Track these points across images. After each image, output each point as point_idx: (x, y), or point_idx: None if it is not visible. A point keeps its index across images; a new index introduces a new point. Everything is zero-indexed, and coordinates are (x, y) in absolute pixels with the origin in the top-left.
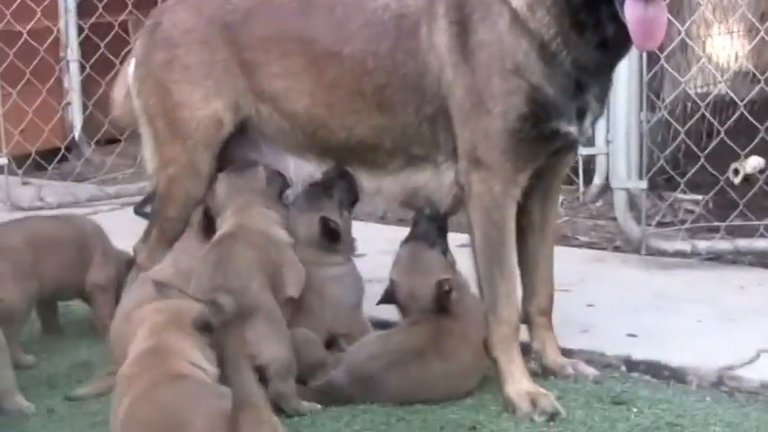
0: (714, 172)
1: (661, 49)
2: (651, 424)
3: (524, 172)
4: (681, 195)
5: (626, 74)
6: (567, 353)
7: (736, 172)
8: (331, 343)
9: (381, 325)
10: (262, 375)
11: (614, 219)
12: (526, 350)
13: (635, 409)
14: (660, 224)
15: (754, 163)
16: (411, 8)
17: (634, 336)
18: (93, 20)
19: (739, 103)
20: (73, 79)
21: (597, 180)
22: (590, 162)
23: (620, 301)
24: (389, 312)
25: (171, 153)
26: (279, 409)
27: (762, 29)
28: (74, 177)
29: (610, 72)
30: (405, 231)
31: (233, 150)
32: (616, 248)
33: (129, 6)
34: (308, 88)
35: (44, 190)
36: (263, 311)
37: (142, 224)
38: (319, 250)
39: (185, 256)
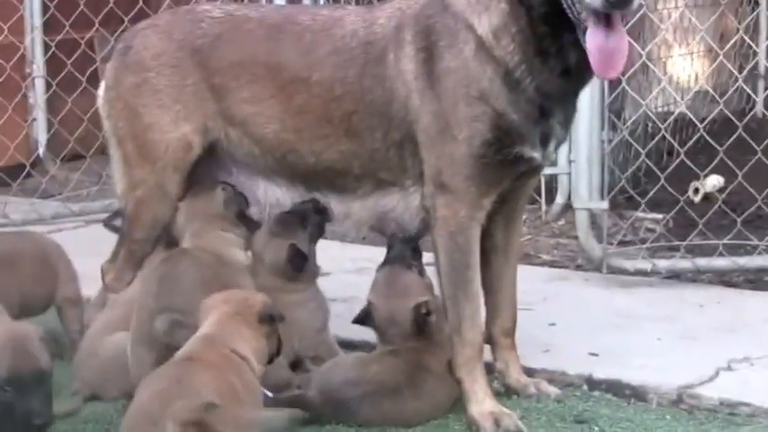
0: (674, 191)
1: (622, 70)
2: None
3: (489, 196)
4: (641, 214)
5: (588, 95)
6: (529, 372)
7: (696, 191)
8: (296, 364)
9: (348, 345)
10: None
11: (576, 237)
12: (489, 370)
13: (596, 428)
14: (621, 243)
15: (713, 182)
16: (378, 35)
17: (595, 355)
18: (59, 37)
19: (698, 124)
20: (38, 96)
21: (559, 199)
22: (552, 181)
23: (582, 320)
24: (356, 332)
25: (140, 175)
26: None
27: (719, 51)
28: (38, 194)
29: (574, 98)
30: (369, 250)
31: (203, 173)
32: (578, 267)
33: (96, 24)
34: (277, 113)
35: (8, 207)
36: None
37: (107, 242)
38: (282, 276)
39: None
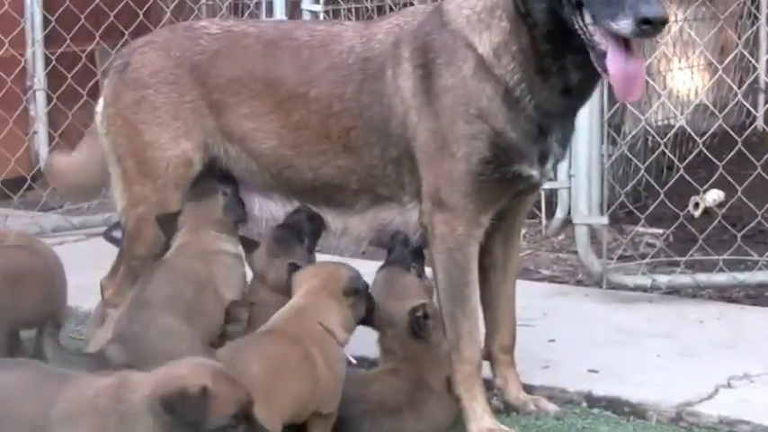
0: (674, 206)
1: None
2: None
3: (487, 214)
4: (641, 229)
5: (587, 109)
6: (528, 389)
7: (697, 205)
8: None
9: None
10: None
11: (576, 252)
12: (489, 387)
13: None
14: (621, 258)
15: (713, 196)
16: (376, 51)
17: (595, 371)
18: (60, 50)
19: (697, 139)
20: (39, 109)
21: (559, 214)
22: (552, 196)
23: (582, 336)
24: (358, 347)
25: (140, 192)
26: None
27: (719, 64)
28: (39, 207)
29: (572, 117)
30: (369, 265)
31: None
32: (578, 282)
33: (97, 37)
34: (275, 129)
35: (9, 219)
36: (162, 356)
37: (107, 255)
38: (286, 294)
39: None
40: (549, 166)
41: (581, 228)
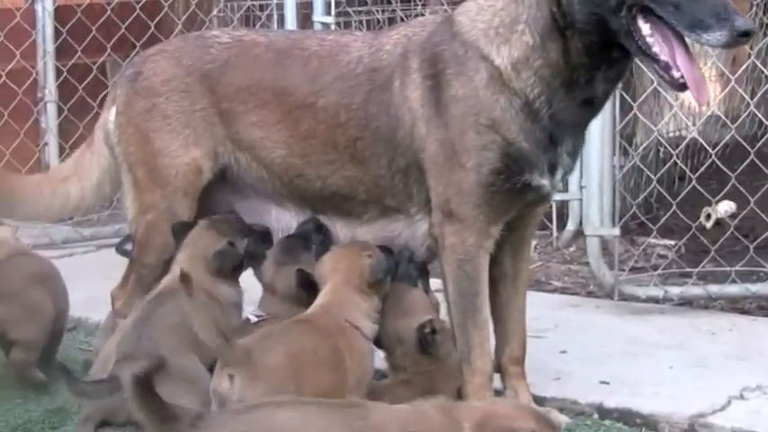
0: (686, 217)
1: (634, 95)
2: None
3: (497, 225)
4: (653, 240)
5: (599, 120)
6: (539, 401)
7: (708, 217)
8: None
9: None
10: None
11: (587, 264)
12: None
13: None
14: (633, 269)
15: (725, 207)
16: (384, 62)
17: (606, 383)
18: (71, 61)
19: (709, 150)
20: (50, 120)
21: (571, 225)
22: (563, 207)
23: (593, 348)
24: None
25: (150, 200)
26: None
27: (731, 75)
28: None
29: (584, 129)
30: None
31: (217, 198)
32: (589, 293)
33: (108, 49)
34: (284, 138)
35: (19, 231)
36: (174, 374)
37: (118, 266)
38: (295, 303)
39: None
40: (558, 176)
41: (593, 239)
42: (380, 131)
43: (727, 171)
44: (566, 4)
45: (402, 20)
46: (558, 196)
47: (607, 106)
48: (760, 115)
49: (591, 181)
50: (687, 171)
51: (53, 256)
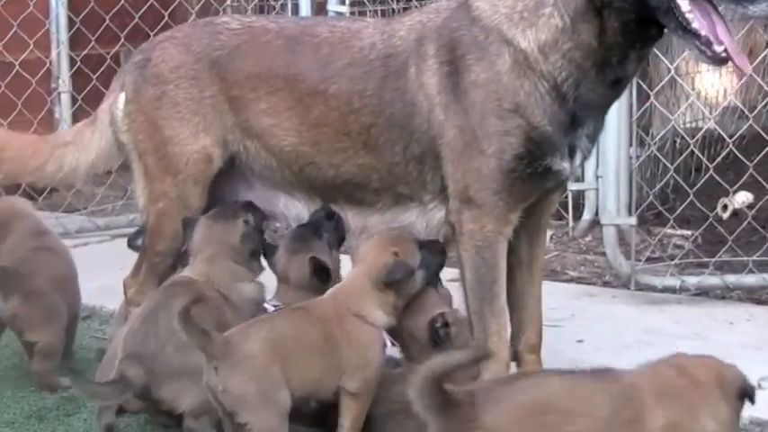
0: (703, 207)
1: (650, 85)
2: None
3: (516, 211)
4: (670, 231)
5: (616, 110)
6: None
7: (725, 207)
8: None
9: None
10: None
11: (604, 254)
12: None
13: None
14: (649, 259)
15: (742, 198)
16: (399, 48)
17: None
18: (84, 52)
19: (727, 139)
20: (64, 111)
21: (587, 215)
22: (579, 197)
23: (610, 337)
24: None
25: (161, 188)
26: None
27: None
28: (64, 208)
29: (606, 111)
30: None
31: (225, 187)
32: (605, 283)
33: (121, 38)
34: (295, 126)
35: None
36: (179, 371)
37: (132, 256)
38: (309, 291)
39: None
40: (577, 161)
41: (609, 228)
42: (395, 118)
43: (745, 161)
44: None
45: None
46: (574, 186)
47: (624, 96)
48: None
49: (608, 170)
50: (704, 161)
51: (67, 245)
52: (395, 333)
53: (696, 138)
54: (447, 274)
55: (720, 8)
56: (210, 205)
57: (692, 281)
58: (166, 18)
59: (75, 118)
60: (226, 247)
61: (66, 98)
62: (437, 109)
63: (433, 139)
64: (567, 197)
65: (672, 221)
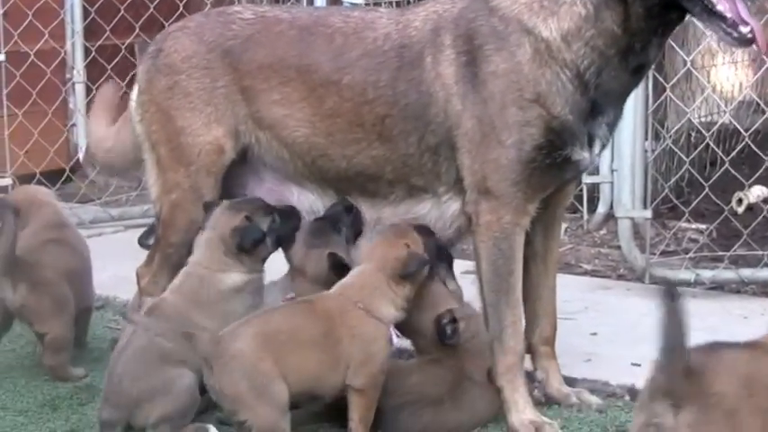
0: (718, 201)
1: (666, 78)
2: None
3: (534, 202)
4: (685, 224)
5: (631, 103)
6: (570, 382)
7: (740, 201)
8: None
9: None
10: None
11: (618, 247)
12: (530, 379)
13: None
14: (664, 253)
15: (757, 192)
16: (414, 38)
17: (638, 365)
18: (99, 42)
19: (743, 132)
20: (78, 101)
21: (601, 208)
22: (594, 190)
23: (624, 330)
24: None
25: (174, 179)
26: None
27: (766, 59)
28: (78, 199)
29: (626, 99)
30: None
31: (236, 179)
32: (620, 277)
33: (136, 29)
34: (308, 117)
35: None
36: (140, 397)
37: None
38: (325, 285)
39: None
40: (596, 150)
41: (624, 221)
42: (410, 109)
43: (761, 155)
44: None
45: None
46: (588, 179)
47: (640, 89)
48: None
49: (623, 164)
50: (720, 154)
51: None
52: (402, 328)
53: (711, 131)
54: (461, 266)
55: None
56: (224, 198)
57: (706, 275)
58: (181, 8)
59: (90, 108)
60: (217, 234)
61: (80, 88)
62: (454, 99)
63: (450, 129)
64: (581, 190)
65: (687, 215)
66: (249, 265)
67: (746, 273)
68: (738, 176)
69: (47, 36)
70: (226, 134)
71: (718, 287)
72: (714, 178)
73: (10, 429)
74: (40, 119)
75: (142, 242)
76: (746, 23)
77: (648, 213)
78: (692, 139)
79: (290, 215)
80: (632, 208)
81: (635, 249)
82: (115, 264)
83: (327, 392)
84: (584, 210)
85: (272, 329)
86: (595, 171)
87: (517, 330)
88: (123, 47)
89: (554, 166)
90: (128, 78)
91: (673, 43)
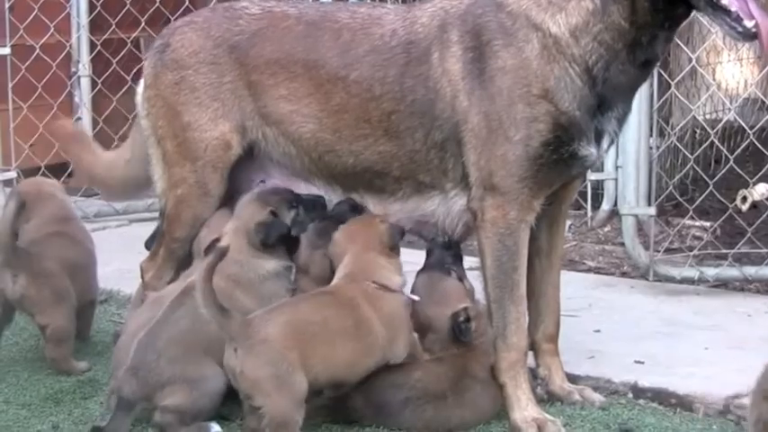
0: (722, 199)
1: (671, 75)
2: None
3: (539, 198)
4: (689, 222)
5: (636, 100)
6: (573, 379)
7: (745, 199)
8: None
9: None
10: None
11: (622, 244)
12: (533, 376)
13: None
14: (668, 250)
15: (762, 190)
16: (421, 34)
17: (641, 362)
18: (105, 36)
19: (748, 130)
20: (83, 94)
21: (605, 205)
22: (598, 187)
23: (628, 328)
24: None
25: (180, 174)
26: None
27: None
28: (82, 192)
29: (634, 93)
30: (410, 253)
31: (243, 175)
32: (623, 274)
33: (142, 23)
34: (315, 112)
35: None
36: (169, 381)
37: None
38: (327, 284)
39: None
40: (604, 145)
41: (628, 218)
42: (417, 105)
43: (765, 152)
44: None
45: None
46: (593, 176)
47: (645, 86)
48: None
49: (627, 161)
50: (725, 151)
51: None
52: (414, 323)
53: (716, 129)
54: (465, 262)
55: None
56: (229, 194)
57: (710, 272)
58: (187, 3)
59: (95, 102)
60: (243, 226)
61: (85, 82)
62: (461, 95)
63: (457, 125)
64: (585, 187)
65: (691, 212)
66: (276, 255)
67: (750, 270)
68: (743, 174)
69: (52, 30)
70: (232, 129)
71: (722, 285)
72: (719, 176)
73: (13, 423)
74: (46, 112)
75: (149, 246)
76: (752, 17)
77: (653, 211)
78: (697, 136)
79: (314, 206)
80: (636, 205)
81: (639, 246)
82: (119, 257)
83: (357, 377)
84: (589, 207)
85: (303, 319)
86: (600, 168)
87: (521, 327)
88: (129, 41)
89: (561, 162)
90: (133, 72)
91: (678, 41)
